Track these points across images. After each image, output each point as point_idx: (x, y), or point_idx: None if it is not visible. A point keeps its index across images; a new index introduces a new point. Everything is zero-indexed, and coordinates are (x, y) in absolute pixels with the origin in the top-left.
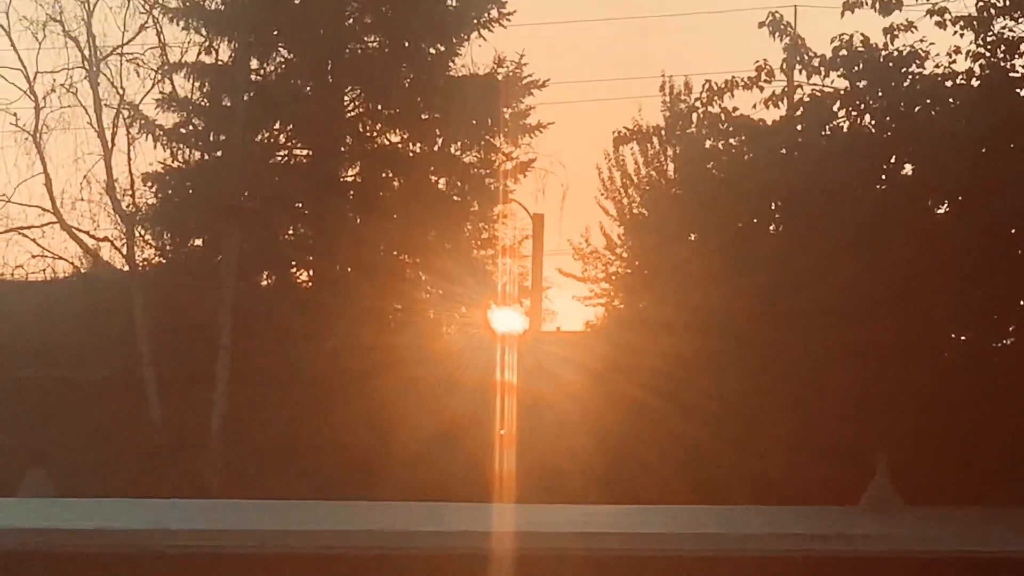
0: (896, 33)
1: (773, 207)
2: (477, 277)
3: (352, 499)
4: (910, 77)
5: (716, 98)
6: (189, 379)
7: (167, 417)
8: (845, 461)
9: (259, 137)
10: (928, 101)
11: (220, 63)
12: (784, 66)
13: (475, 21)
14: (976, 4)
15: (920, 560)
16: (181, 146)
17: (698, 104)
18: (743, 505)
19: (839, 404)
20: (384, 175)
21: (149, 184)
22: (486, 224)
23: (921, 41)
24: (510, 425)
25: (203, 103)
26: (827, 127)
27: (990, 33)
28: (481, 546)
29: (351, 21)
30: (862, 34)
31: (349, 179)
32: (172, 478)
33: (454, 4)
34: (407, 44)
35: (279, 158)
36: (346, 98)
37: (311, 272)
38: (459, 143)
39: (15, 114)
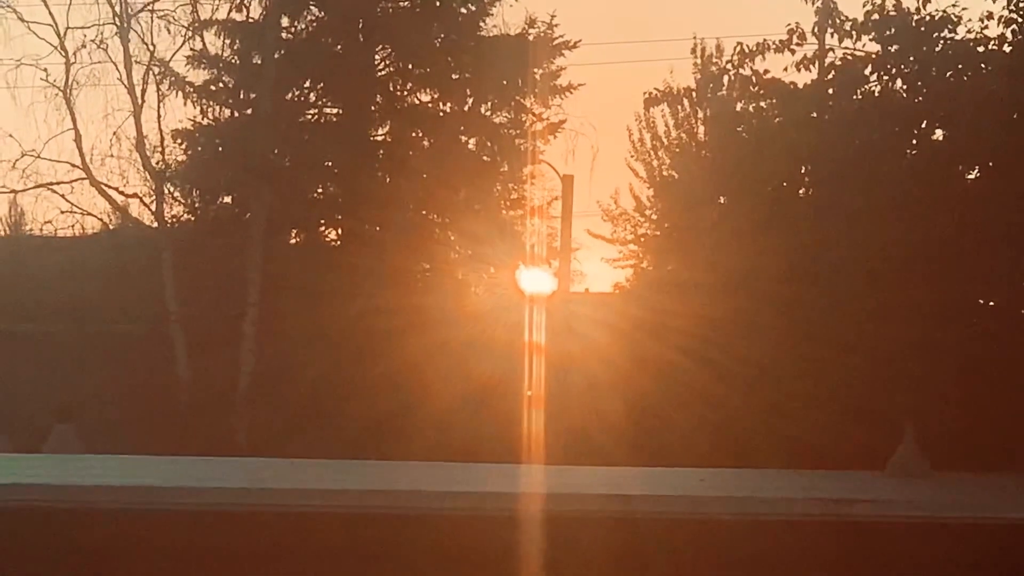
0: None
1: (803, 170)
2: (506, 238)
3: (379, 460)
4: (942, 42)
5: (747, 61)
6: (217, 337)
7: (195, 374)
8: (874, 425)
9: (289, 95)
10: (960, 66)
11: (251, 20)
12: (816, 30)
13: None
14: None
15: (946, 525)
16: (211, 103)
17: (729, 67)
18: (772, 468)
19: (868, 367)
20: (414, 134)
21: (179, 141)
22: (515, 185)
23: (953, 6)
24: (538, 386)
25: (233, 61)
26: (858, 91)
27: None
28: (510, 507)
29: None
30: None
31: (379, 138)
32: (199, 435)
33: None
34: (438, 3)
35: (309, 116)
36: (377, 57)
37: (340, 231)
38: (489, 103)
39: (45, 69)
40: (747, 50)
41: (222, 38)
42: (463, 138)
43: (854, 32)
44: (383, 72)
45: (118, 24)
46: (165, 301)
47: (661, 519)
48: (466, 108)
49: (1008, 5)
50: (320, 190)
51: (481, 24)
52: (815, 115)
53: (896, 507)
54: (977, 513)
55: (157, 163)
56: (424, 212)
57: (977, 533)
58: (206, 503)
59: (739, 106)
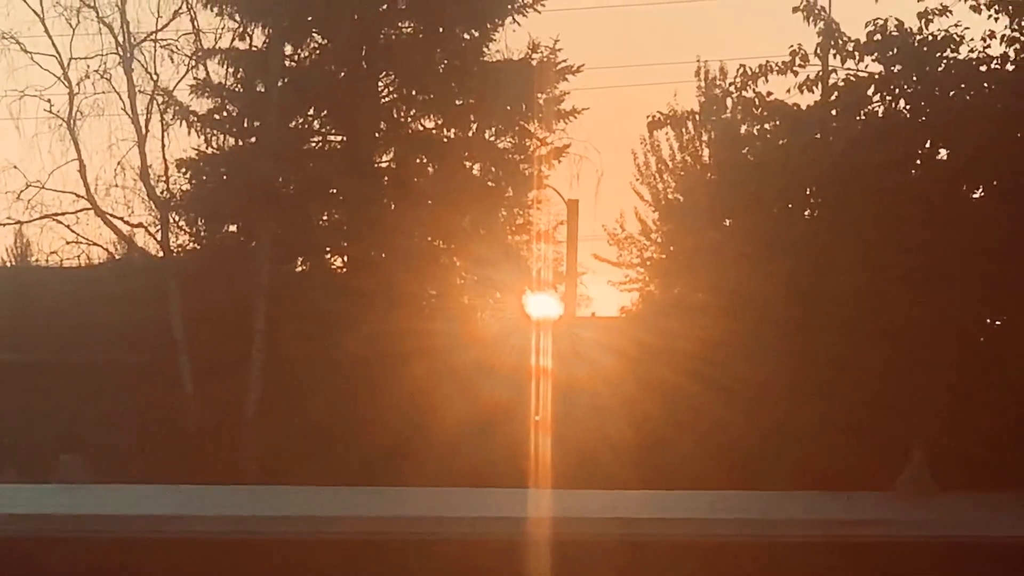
0: (930, 17)
1: (807, 192)
2: (512, 263)
3: (387, 485)
4: (945, 62)
5: (751, 83)
6: (224, 365)
7: (202, 403)
8: (880, 445)
9: (293, 123)
10: (963, 86)
11: (254, 49)
12: (818, 51)
13: (509, 6)
14: None
15: (956, 545)
16: (215, 132)
17: (733, 89)
18: (779, 490)
19: (874, 388)
20: (418, 161)
21: (183, 170)
22: (520, 210)
23: (956, 26)
24: (545, 411)
25: (237, 89)
26: (861, 112)
27: None
28: (518, 532)
29: (385, 7)
30: (896, 19)
31: (383, 165)
32: (207, 464)
33: None
34: (441, 29)
35: (313, 144)
36: (380, 84)
37: (345, 258)
38: (493, 129)
39: (49, 100)
40: (750, 72)
41: (225, 67)
42: (468, 164)
43: (856, 53)
44: (387, 99)
45: (121, 54)
46: (171, 330)
47: (669, 542)
48: (470, 134)
49: (1011, 24)
50: (325, 217)
51: (484, 49)
52: (819, 136)
53: (906, 527)
54: (987, 532)
55: (162, 192)
56: (429, 238)
57: (988, 551)
58: (215, 531)
59: (743, 128)
